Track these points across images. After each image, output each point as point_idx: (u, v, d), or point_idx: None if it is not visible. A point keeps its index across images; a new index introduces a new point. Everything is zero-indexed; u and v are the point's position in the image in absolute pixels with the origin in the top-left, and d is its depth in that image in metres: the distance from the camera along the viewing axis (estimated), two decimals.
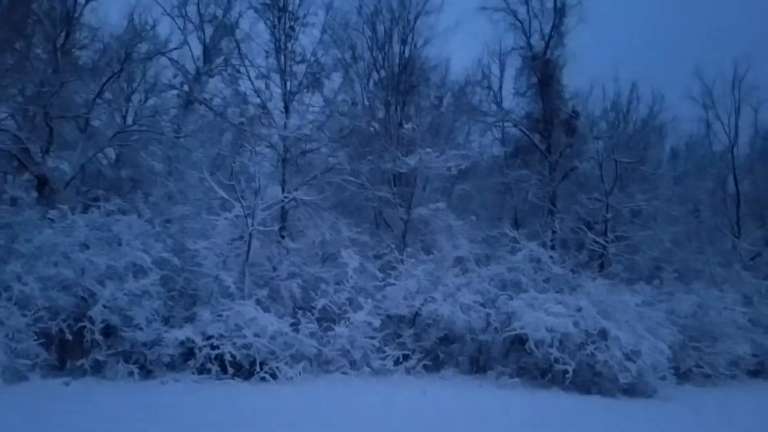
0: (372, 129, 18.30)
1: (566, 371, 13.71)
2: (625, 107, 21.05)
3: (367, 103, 19.47)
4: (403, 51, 19.57)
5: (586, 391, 13.75)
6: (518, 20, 20.47)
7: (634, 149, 19.86)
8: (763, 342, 17.11)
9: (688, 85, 22.73)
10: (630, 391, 13.71)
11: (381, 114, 19.14)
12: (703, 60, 26.97)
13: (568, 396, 13.42)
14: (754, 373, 16.92)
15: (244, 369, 12.73)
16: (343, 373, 13.96)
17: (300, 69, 17.39)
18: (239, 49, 17.71)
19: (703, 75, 22.50)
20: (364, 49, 19.56)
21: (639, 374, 13.65)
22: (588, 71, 20.13)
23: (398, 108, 18.76)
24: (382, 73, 19.69)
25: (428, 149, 16.61)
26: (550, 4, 20.23)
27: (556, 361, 13.84)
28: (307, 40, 17.42)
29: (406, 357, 14.57)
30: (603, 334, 14.03)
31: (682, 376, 15.42)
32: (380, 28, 19.66)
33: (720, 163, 22.83)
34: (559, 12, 20.19)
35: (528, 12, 20.37)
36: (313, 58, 17.49)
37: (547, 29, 20.25)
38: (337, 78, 18.44)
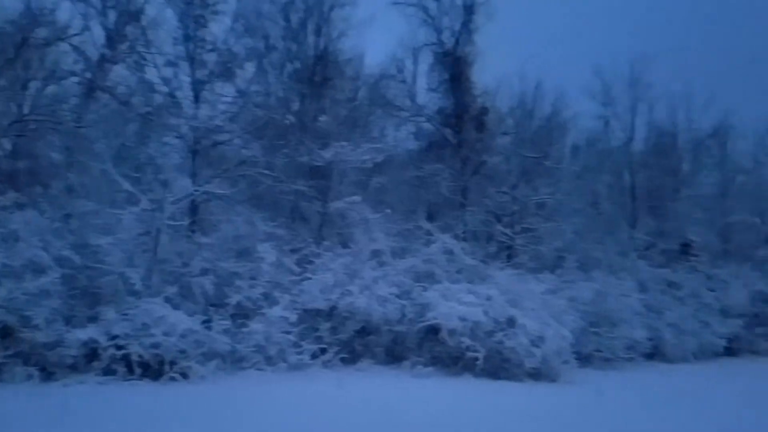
0: (287, 121, 18.09)
1: (477, 358, 14.26)
2: (530, 104, 21.86)
3: (281, 94, 19.19)
4: (318, 43, 19.44)
5: (496, 376, 14.30)
6: (429, 16, 20.77)
7: (538, 145, 20.71)
8: (657, 326, 18.36)
9: (588, 83, 23.85)
10: (536, 375, 14.36)
11: (296, 106, 18.94)
12: (603, 59, 28.40)
13: (479, 382, 13.94)
14: (650, 356, 18.09)
15: (153, 369, 12.29)
16: (259, 369, 13.80)
17: (210, 57, 16.87)
18: (145, 35, 16.97)
19: (602, 73, 23.64)
20: (277, 39, 19.24)
21: (544, 359, 14.34)
22: (496, 69, 20.75)
23: (313, 100, 18.63)
24: (297, 64, 19.45)
25: (344, 142, 16.62)
26: (459, 1, 20.66)
27: (468, 348, 14.36)
28: (217, 27, 16.95)
29: (323, 351, 14.59)
30: (511, 321, 14.65)
31: (584, 360, 16.23)
32: (294, 19, 19.42)
33: (617, 158, 24.10)
34: (468, 9, 20.63)
35: (438, 8, 20.74)
36: (224, 47, 17.04)
37: (457, 26, 20.68)
38: (250, 68, 18.03)
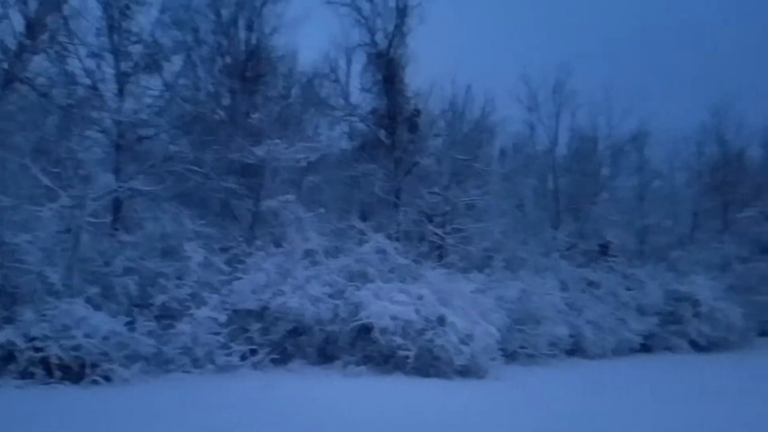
0: (217, 116, 17.67)
1: (408, 357, 14.42)
2: (460, 108, 22.32)
3: (211, 89, 18.72)
4: (250, 38, 19.09)
5: (426, 374, 14.50)
6: (363, 17, 20.77)
7: (469, 147, 21.16)
8: (578, 324, 19.11)
9: (515, 88, 24.56)
10: (464, 372, 14.63)
11: (227, 101, 18.52)
12: (531, 65, 29.41)
13: (409, 380, 14.10)
14: (571, 352, 18.77)
15: (74, 372, 11.76)
16: (185, 372, 13.43)
17: (136, 49, 16.26)
18: (67, 25, 16.14)
19: (528, 79, 24.40)
20: (207, 33, 18.76)
21: (472, 356, 14.64)
22: (428, 71, 21.07)
23: (245, 96, 18.28)
24: (228, 59, 19.01)
25: (277, 140, 16.41)
26: (392, 3, 20.75)
27: (399, 347, 14.50)
28: (144, 19, 16.37)
29: (253, 352, 14.35)
30: (441, 320, 14.89)
31: (510, 356, 16.72)
32: (225, 13, 19.00)
33: (542, 162, 24.92)
34: (401, 12, 20.76)
35: (372, 10, 20.77)
36: (150, 39, 16.47)
37: (390, 28, 20.80)
38: (177, 61, 17.49)
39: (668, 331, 21.43)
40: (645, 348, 20.66)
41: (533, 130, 25.08)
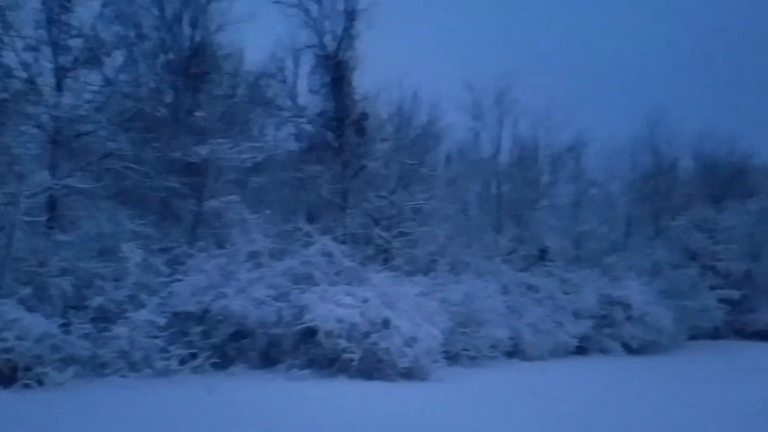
0: (159, 114, 17.22)
1: (352, 359, 14.45)
2: (408, 112, 22.56)
3: (153, 85, 18.23)
4: (194, 35, 18.70)
5: (370, 377, 14.57)
6: (311, 18, 20.67)
7: (415, 152, 21.40)
8: (518, 326, 19.60)
9: (461, 96, 25.04)
10: (407, 375, 14.78)
11: (169, 99, 18.08)
12: (476, 73, 30.01)
13: (354, 383, 14.13)
14: (510, 354, 19.23)
15: (5, 375, 11.34)
16: (122, 376, 13.08)
17: (76, 43, 15.69)
18: (4, 16, 15.39)
19: (473, 88, 24.94)
20: (150, 29, 18.27)
21: (416, 359, 14.81)
22: (377, 76, 21.18)
23: (188, 94, 17.91)
24: (171, 55, 18.56)
25: (221, 139, 16.15)
26: (341, 6, 20.76)
27: (344, 350, 14.53)
28: (85, 12, 15.80)
29: (193, 356, 14.08)
30: (386, 323, 14.99)
31: (452, 358, 17.01)
32: (169, 8, 18.55)
33: (486, 168, 25.52)
34: (350, 15, 20.75)
35: (320, 12, 20.71)
36: (91, 33, 15.92)
37: (338, 31, 20.79)
38: (119, 56, 16.98)
39: (602, 334, 22.23)
40: (580, 350, 21.36)
41: (478, 136, 25.64)
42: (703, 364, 19.93)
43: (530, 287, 21.59)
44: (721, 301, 26.59)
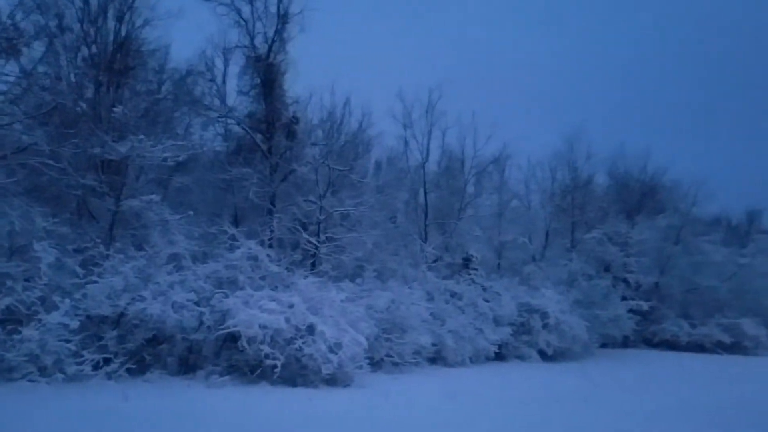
0: (78, 109, 16.47)
1: (275, 366, 14.26)
2: (339, 119, 22.62)
3: (73, 79, 17.43)
4: (119, 29, 18.04)
5: (293, 383, 14.46)
6: (242, 19, 20.39)
7: (345, 158, 21.44)
8: (441, 333, 19.96)
9: (392, 104, 25.32)
10: (331, 381, 14.75)
11: (90, 93, 17.33)
12: (407, 84, 30.43)
13: (276, 390, 13.97)
14: (433, 360, 19.59)
15: None
16: (31, 381, 12.48)
17: None
18: None
19: (404, 97, 25.27)
20: (73, 20, 17.49)
21: (340, 365, 14.79)
22: (308, 80, 21.14)
23: (110, 89, 17.22)
24: (94, 48, 17.82)
25: (142, 136, 15.60)
26: (274, 9, 20.58)
27: (267, 356, 14.31)
28: (3, 1, 14.97)
29: (107, 361, 13.53)
30: (311, 329, 14.92)
31: (376, 364, 17.13)
32: (93, 0, 17.84)
33: (414, 177, 25.89)
34: (282, 18, 20.60)
35: (252, 13, 20.44)
36: (9, 22, 15.07)
37: (270, 33, 20.58)
38: (38, 47, 16.14)
39: (520, 341, 22.96)
40: (499, 356, 21.97)
41: (407, 145, 25.97)
42: (613, 371, 20.93)
43: (453, 294, 22.03)
44: (631, 311, 28.04)
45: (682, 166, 48.68)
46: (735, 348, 29.44)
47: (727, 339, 29.47)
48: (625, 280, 29.98)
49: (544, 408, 13.14)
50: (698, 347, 29.55)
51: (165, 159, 16.14)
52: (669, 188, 33.82)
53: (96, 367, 13.34)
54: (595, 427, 11.52)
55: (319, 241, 19.42)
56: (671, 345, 29.95)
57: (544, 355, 22.98)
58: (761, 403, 15.17)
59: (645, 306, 28.79)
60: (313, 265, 19.08)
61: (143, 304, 14.10)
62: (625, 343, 28.99)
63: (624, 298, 28.55)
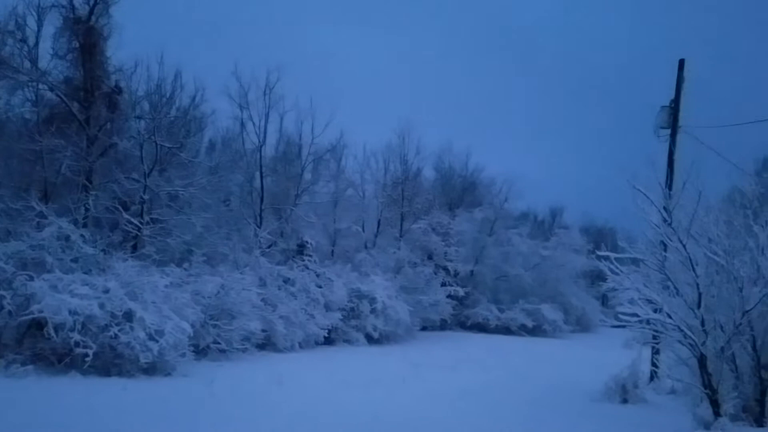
0: None
1: (86, 355, 13.25)
2: (168, 92, 21.36)
3: None
4: None
5: (106, 373, 13.55)
6: None
7: (174, 135, 20.39)
8: (271, 318, 19.82)
9: (227, 83, 24.37)
10: (150, 370, 14.04)
11: None
12: (243, 61, 29.43)
13: (86, 380, 13.01)
14: (262, 346, 19.36)
15: None
16: None
17: None
18: None
19: (240, 76, 24.44)
20: None
21: (160, 353, 14.09)
22: (134, 49, 19.63)
23: None
24: None
25: None
26: None
27: (77, 344, 13.26)
28: None
29: None
30: (129, 315, 14.05)
31: (201, 352, 16.57)
32: None
33: (250, 160, 25.38)
34: None
35: None
36: None
37: None
38: None
39: (349, 326, 23.59)
40: (328, 341, 22.39)
41: (243, 127, 25.35)
42: (431, 352, 22.31)
43: (287, 280, 21.98)
44: (449, 296, 30.50)
45: (500, 165, 53.23)
46: (536, 331, 32.82)
47: (529, 323, 32.73)
48: (445, 268, 32.31)
49: (367, 389, 13.66)
50: (505, 329, 32.50)
51: None
52: (486, 185, 37.05)
53: None
54: (410, 403, 12.25)
55: (142, 223, 18.26)
56: (482, 327, 32.67)
57: (370, 339, 23.82)
58: (558, 378, 17.10)
59: (461, 292, 31.64)
60: (135, 247, 17.94)
61: None
62: (443, 326, 31.08)
63: (444, 285, 30.76)
